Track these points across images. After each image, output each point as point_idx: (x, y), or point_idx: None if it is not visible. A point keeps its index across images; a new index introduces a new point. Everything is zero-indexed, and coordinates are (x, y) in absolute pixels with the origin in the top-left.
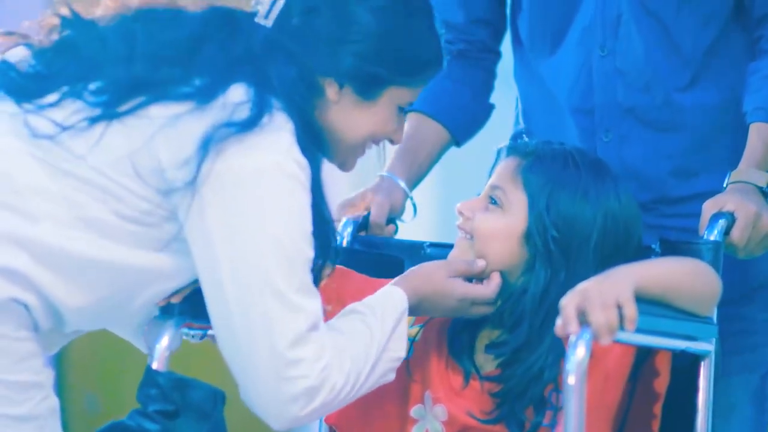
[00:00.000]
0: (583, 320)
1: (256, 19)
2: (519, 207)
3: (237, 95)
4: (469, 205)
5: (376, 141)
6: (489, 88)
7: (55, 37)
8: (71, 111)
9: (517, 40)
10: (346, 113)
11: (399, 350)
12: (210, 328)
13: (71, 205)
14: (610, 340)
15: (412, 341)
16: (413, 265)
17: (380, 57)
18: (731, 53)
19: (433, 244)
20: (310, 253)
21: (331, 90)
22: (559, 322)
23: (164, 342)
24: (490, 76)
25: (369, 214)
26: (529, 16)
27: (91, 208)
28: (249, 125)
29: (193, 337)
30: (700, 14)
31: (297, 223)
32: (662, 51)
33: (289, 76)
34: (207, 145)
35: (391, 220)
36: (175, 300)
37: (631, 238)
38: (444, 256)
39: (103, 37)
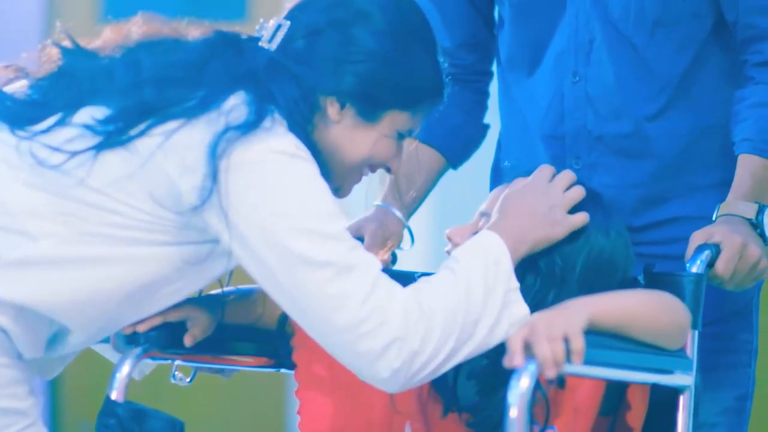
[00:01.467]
0: (530, 353)
1: (260, 44)
2: None
3: (235, 101)
4: (458, 231)
5: (373, 167)
6: (482, 108)
7: (53, 66)
8: (68, 137)
9: (499, 61)
10: (346, 133)
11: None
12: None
13: (71, 222)
14: (554, 373)
15: None
16: None
17: (381, 79)
18: (709, 77)
19: (424, 275)
20: (344, 220)
21: (332, 109)
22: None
23: (124, 370)
24: (483, 96)
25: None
26: (509, 37)
27: (92, 223)
28: (251, 126)
29: (180, 380)
30: (674, 38)
31: (319, 196)
32: (635, 77)
33: (291, 95)
34: (215, 151)
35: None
36: (140, 329)
37: (616, 272)
38: None
39: (107, 67)
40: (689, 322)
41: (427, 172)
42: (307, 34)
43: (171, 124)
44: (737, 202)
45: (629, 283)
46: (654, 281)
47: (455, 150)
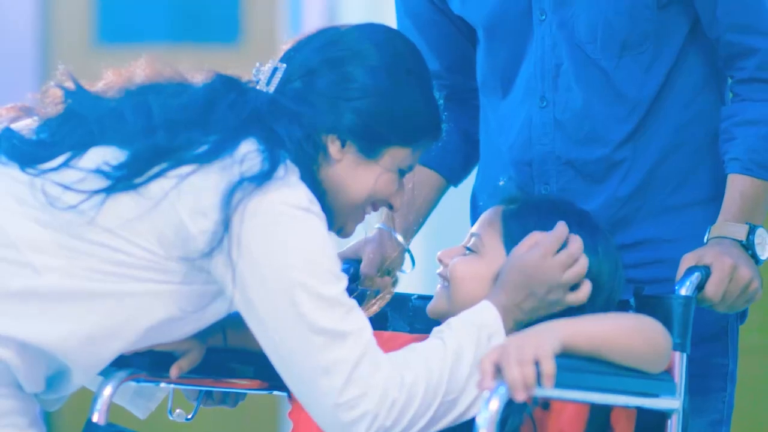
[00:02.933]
0: (500, 376)
1: (258, 87)
2: (494, 251)
3: (247, 148)
4: (448, 253)
5: (375, 205)
6: (479, 124)
7: (59, 108)
8: (79, 178)
9: (477, 83)
10: (348, 171)
11: None
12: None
13: (75, 258)
14: (525, 396)
15: None
16: (398, 318)
17: (379, 114)
18: (680, 94)
19: (420, 296)
20: (344, 282)
21: (333, 147)
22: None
23: (106, 393)
24: (479, 112)
25: (359, 266)
26: (483, 60)
27: (97, 259)
28: (266, 176)
29: (177, 416)
30: (643, 60)
31: (326, 255)
32: (604, 100)
33: (295, 135)
34: (230, 200)
35: (388, 272)
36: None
37: (602, 291)
38: None
39: (115, 109)
40: (669, 345)
41: (426, 193)
42: (303, 75)
43: (185, 169)
44: (727, 224)
45: (615, 302)
46: (644, 304)
47: (454, 169)
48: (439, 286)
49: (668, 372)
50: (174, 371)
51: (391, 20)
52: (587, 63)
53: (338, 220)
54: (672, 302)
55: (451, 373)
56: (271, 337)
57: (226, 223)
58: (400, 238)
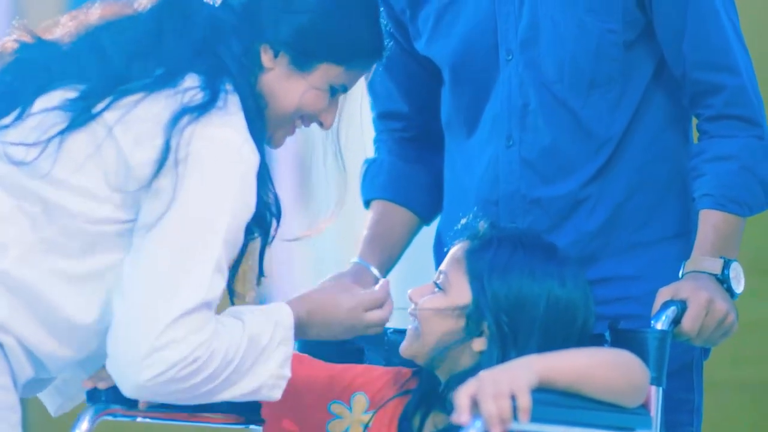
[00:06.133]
0: (477, 410)
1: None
2: (460, 288)
3: (190, 82)
4: (418, 291)
5: (305, 120)
6: None
7: (11, 59)
8: (31, 128)
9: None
10: (278, 81)
11: (280, 364)
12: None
13: (35, 227)
14: (501, 430)
15: (365, 427)
16: (374, 352)
17: (317, 30)
18: (646, 132)
19: (396, 330)
20: (241, 240)
21: (266, 56)
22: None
23: (83, 427)
24: None
25: None
26: (448, 100)
27: (51, 230)
28: (207, 107)
29: None
30: (610, 98)
31: (245, 208)
32: (572, 139)
33: (236, 53)
34: (172, 130)
35: None
36: (101, 386)
37: (575, 321)
38: None
39: (70, 52)
40: (647, 379)
41: (400, 229)
42: None
43: (132, 98)
44: (702, 258)
45: (590, 334)
46: (619, 338)
47: (426, 207)
48: (410, 326)
49: (644, 406)
50: (143, 402)
51: None
52: (555, 102)
53: (267, 130)
54: (647, 336)
55: (243, 354)
56: (149, 255)
57: (166, 153)
58: (375, 271)
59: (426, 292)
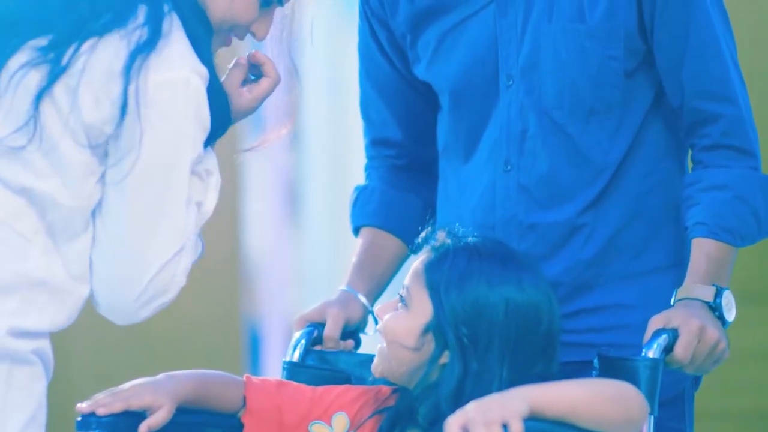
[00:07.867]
0: None
1: None
2: (421, 303)
3: (138, 20)
4: (384, 308)
5: (238, 33)
6: None
7: None
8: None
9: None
10: None
11: None
12: None
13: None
14: None
15: None
16: (360, 380)
17: None
18: (643, 162)
19: None
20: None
21: None
22: None
23: None
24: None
25: (323, 328)
26: (446, 125)
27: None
28: (152, 43)
29: None
30: (610, 125)
31: (202, 130)
32: (570, 166)
33: None
34: (126, 83)
35: (352, 333)
36: (100, 412)
37: (539, 325)
38: None
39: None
40: (644, 412)
41: (388, 257)
42: None
43: (89, 42)
44: (695, 286)
45: (557, 337)
46: (608, 366)
47: (415, 236)
48: (379, 345)
49: None
50: (143, 429)
51: (354, 75)
52: (554, 128)
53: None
54: (638, 365)
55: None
56: (123, 210)
57: (124, 108)
58: (363, 299)
59: (391, 308)
